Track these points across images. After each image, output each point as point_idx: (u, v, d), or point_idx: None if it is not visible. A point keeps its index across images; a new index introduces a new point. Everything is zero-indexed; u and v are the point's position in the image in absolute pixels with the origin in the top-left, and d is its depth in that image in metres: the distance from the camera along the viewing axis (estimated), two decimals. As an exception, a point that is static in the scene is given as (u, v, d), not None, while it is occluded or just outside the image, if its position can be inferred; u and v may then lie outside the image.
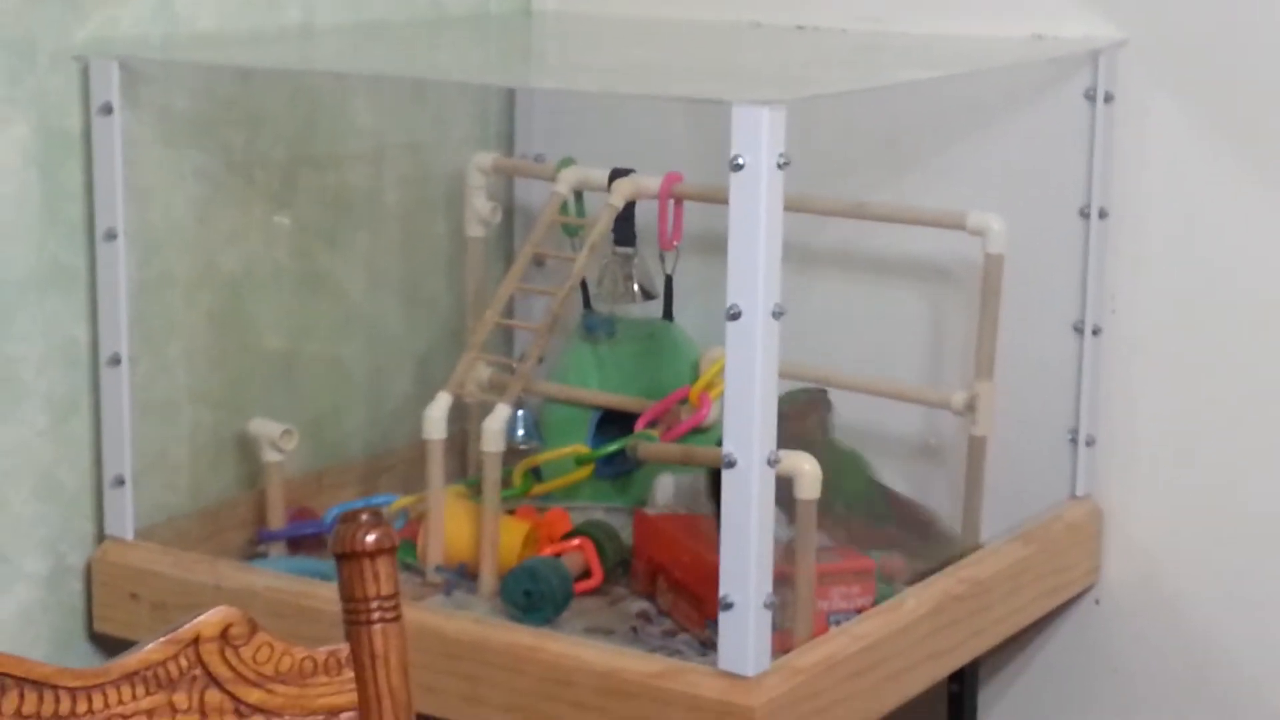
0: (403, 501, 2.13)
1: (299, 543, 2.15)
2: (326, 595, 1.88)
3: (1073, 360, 2.16)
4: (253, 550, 2.15)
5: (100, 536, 2.06)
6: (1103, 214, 2.13)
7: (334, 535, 1.21)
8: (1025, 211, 2.11)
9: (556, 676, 1.77)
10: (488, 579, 1.98)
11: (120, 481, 2.04)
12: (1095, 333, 2.15)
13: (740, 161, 1.60)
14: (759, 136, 1.59)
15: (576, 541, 2.03)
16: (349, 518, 1.21)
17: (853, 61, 2.16)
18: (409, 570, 2.02)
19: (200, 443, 2.16)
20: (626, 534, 2.09)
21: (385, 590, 1.22)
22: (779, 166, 1.61)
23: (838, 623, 1.85)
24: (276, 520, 2.14)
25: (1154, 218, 2.13)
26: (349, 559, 1.21)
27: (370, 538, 1.20)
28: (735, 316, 1.62)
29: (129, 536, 2.04)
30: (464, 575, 2.01)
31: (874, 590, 1.90)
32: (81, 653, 2.05)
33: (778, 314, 1.63)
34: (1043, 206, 2.15)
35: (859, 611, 1.86)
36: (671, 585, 1.93)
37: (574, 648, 1.79)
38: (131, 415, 2.03)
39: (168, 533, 2.09)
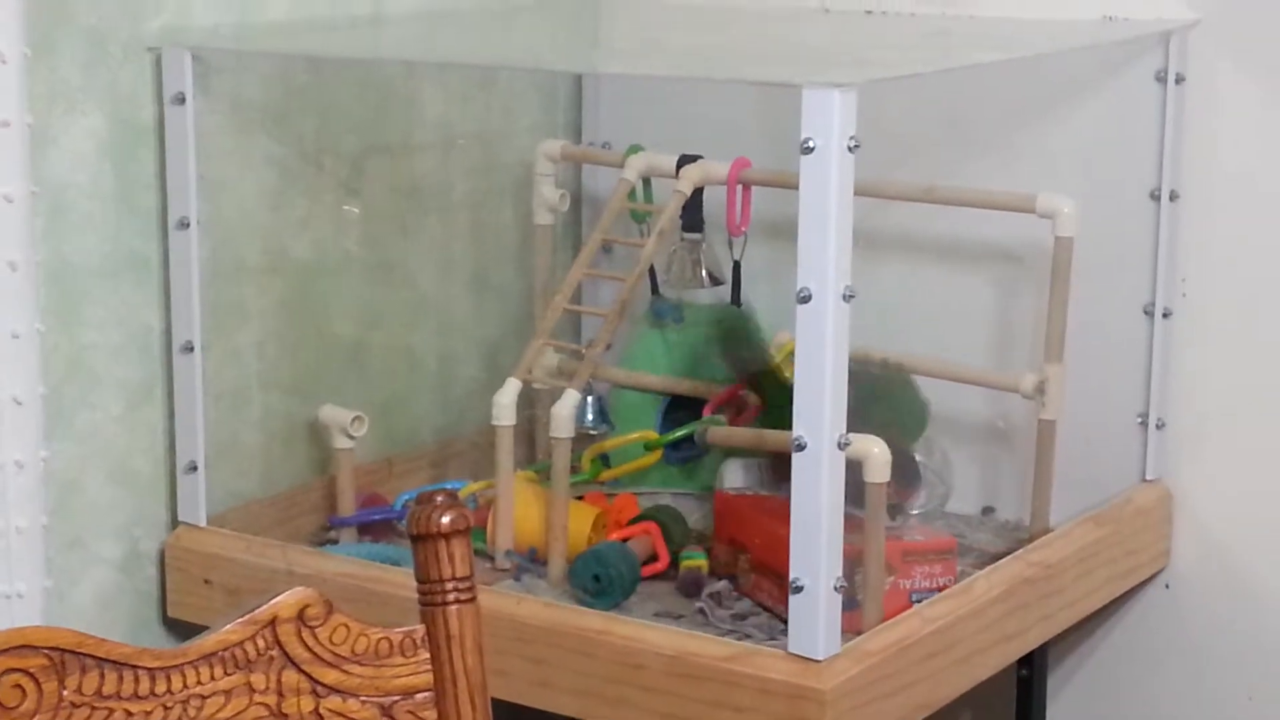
0: (472, 487, 2.13)
1: (369, 528, 2.16)
2: (397, 580, 1.90)
3: (1143, 343, 2.15)
4: (324, 536, 2.17)
5: (174, 522, 2.08)
6: (1173, 196, 2.12)
7: (409, 516, 1.22)
8: (1096, 194, 2.10)
9: (626, 660, 1.78)
10: (557, 564, 1.98)
11: (193, 468, 2.05)
12: (1166, 315, 2.14)
13: (811, 144, 1.60)
14: (830, 119, 1.59)
15: (643, 526, 2.03)
16: (424, 499, 1.21)
17: (922, 45, 2.15)
18: (478, 555, 2.00)
19: (271, 429, 2.17)
20: (694, 519, 2.10)
21: (460, 571, 1.22)
22: (849, 149, 1.61)
23: (920, 601, 1.85)
24: (347, 506, 2.15)
25: (1225, 200, 2.11)
26: (424, 540, 1.21)
27: (446, 519, 1.21)
28: (805, 299, 1.62)
29: (202, 522, 2.06)
30: (533, 560, 2.02)
31: (955, 569, 1.90)
32: (156, 638, 2.07)
33: (848, 296, 1.63)
34: (1113, 189, 2.14)
35: (942, 590, 1.87)
36: (753, 565, 1.93)
37: (643, 631, 1.80)
38: (204, 402, 2.05)
39: (240, 518, 2.10)
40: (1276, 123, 2.08)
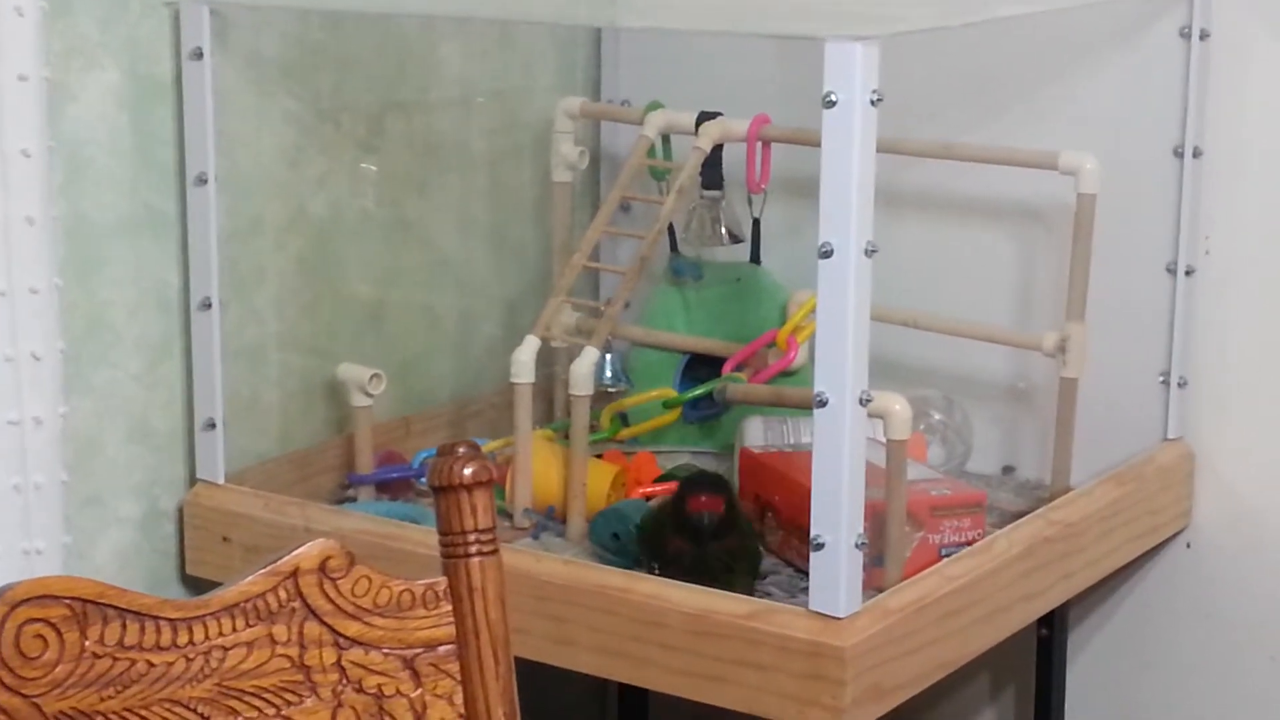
0: (491, 445, 2.13)
1: (387, 486, 2.16)
2: (415, 538, 1.89)
3: (1165, 301, 2.14)
4: (342, 494, 2.17)
5: (192, 480, 2.08)
6: (1197, 153, 2.10)
7: (432, 468, 1.21)
8: (1118, 151, 2.09)
9: (646, 618, 1.78)
10: (576, 522, 1.98)
11: (211, 425, 2.05)
12: (1188, 273, 2.13)
13: (833, 98, 1.59)
14: (852, 72, 1.58)
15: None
16: (446, 450, 1.21)
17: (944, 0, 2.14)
18: (497, 514, 2.01)
19: (290, 387, 2.17)
20: (715, 477, 2.09)
21: (483, 523, 1.22)
22: (872, 103, 1.59)
23: (949, 555, 1.85)
24: (365, 464, 2.15)
25: (1249, 157, 2.10)
26: (447, 492, 1.21)
27: (468, 470, 1.20)
28: (827, 254, 1.61)
29: (220, 480, 2.06)
30: (552, 518, 2.02)
31: (984, 523, 1.90)
32: (175, 595, 2.06)
33: (870, 251, 1.62)
34: (1136, 146, 2.12)
35: (970, 544, 1.86)
36: (781, 523, 1.92)
37: (664, 589, 1.79)
38: (222, 360, 2.04)
39: (258, 476, 2.10)
40: (1301, 79, 2.06)
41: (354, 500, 2.13)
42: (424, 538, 1.81)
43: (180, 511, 2.07)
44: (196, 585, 2.07)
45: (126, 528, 2.03)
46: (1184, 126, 2.10)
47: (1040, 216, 2.18)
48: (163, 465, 2.06)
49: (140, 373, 2.02)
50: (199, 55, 1.98)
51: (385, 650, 1.21)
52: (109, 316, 1.98)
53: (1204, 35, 2.08)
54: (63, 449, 1.90)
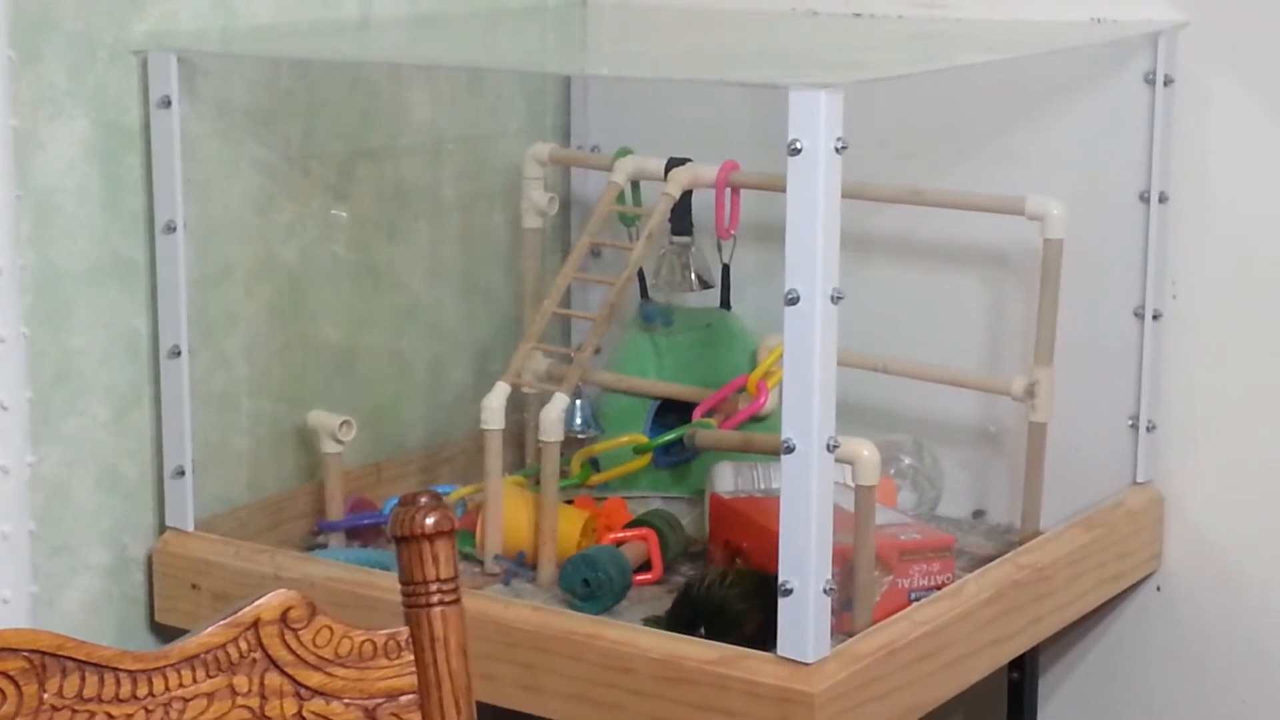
0: (461, 491, 2.13)
1: (358, 533, 2.16)
2: (385, 585, 1.89)
3: (1133, 345, 2.15)
4: (312, 541, 2.16)
5: (161, 527, 2.07)
6: (1163, 198, 2.11)
7: (393, 518, 1.21)
8: (1085, 196, 2.10)
9: (615, 664, 1.77)
10: (546, 568, 1.98)
11: (181, 473, 2.05)
12: (1156, 318, 2.14)
13: (798, 145, 1.60)
14: (816, 120, 1.59)
15: (640, 532, 2.02)
16: (408, 500, 1.21)
17: (910, 46, 2.15)
18: (467, 560, 2.02)
19: (260, 434, 2.17)
20: (685, 522, 2.09)
21: (444, 573, 1.22)
22: (837, 150, 1.60)
23: (919, 599, 1.85)
24: (335, 511, 2.14)
25: (1214, 201, 2.11)
26: (408, 542, 1.21)
27: (429, 520, 1.20)
28: (794, 301, 1.62)
29: (190, 527, 2.05)
30: (522, 564, 2.01)
31: (953, 567, 1.90)
32: (144, 643, 2.06)
33: (836, 298, 1.62)
34: (1102, 191, 2.13)
35: (940, 589, 1.86)
36: (751, 568, 1.92)
37: (632, 635, 1.79)
38: (192, 407, 2.04)
39: (228, 524, 2.10)
40: (1265, 123, 2.07)
41: (324, 547, 2.13)
42: (394, 584, 1.78)
43: (149, 559, 2.07)
44: (166, 633, 2.07)
45: (95, 576, 2.03)
46: (1149, 172, 2.11)
47: (1008, 261, 2.19)
48: (132, 513, 2.05)
49: (109, 421, 2.02)
50: (167, 103, 1.98)
51: (347, 700, 1.21)
52: (77, 365, 1.98)
53: (1168, 81, 2.09)
54: (31, 498, 1.90)
